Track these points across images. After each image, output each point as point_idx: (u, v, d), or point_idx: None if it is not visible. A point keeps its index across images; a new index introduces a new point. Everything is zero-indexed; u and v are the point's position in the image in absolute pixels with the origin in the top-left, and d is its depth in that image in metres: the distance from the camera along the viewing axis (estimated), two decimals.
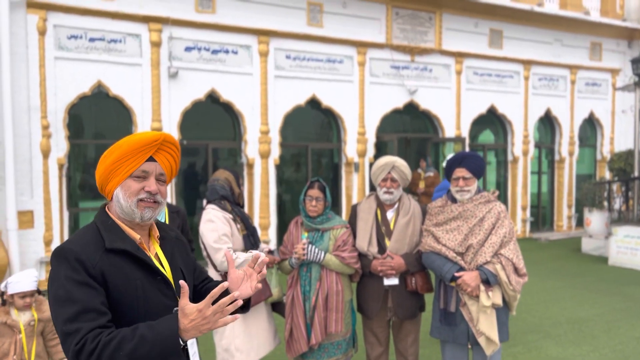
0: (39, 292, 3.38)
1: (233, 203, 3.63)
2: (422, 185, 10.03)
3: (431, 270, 3.51)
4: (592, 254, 10.11)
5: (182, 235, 2.05)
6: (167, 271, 1.81)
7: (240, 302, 1.65)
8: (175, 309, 1.72)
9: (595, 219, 10.35)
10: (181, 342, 1.63)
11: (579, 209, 12.79)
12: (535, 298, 6.98)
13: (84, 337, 1.55)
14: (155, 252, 1.84)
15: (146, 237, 1.84)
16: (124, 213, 1.76)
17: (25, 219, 7.39)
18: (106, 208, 1.82)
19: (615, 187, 11.15)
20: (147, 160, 1.77)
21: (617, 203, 10.63)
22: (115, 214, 1.79)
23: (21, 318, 3.20)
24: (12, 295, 3.18)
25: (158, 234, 1.89)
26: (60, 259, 1.64)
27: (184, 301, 1.63)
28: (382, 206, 3.68)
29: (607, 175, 12.68)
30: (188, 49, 8.44)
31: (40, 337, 3.32)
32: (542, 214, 12.88)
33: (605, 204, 10.45)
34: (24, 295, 3.19)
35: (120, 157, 1.74)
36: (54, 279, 1.64)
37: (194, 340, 1.84)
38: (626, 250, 9.02)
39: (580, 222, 12.97)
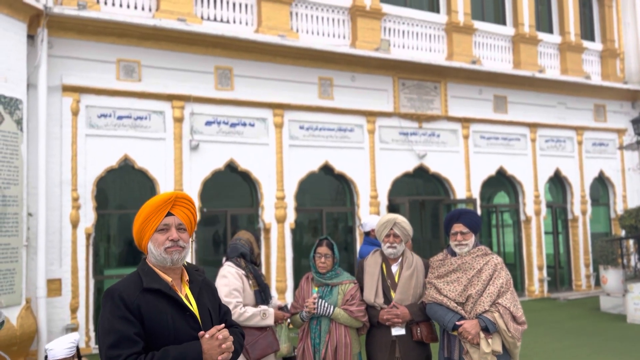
0: (79, 356, 3.45)
1: (249, 261, 3.96)
2: None
3: (434, 320, 3.74)
4: (611, 312, 10.03)
5: (209, 280, 2.43)
6: (194, 308, 2.20)
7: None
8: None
9: (611, 277, 10.34)
10: None
11: (597, 267, 12.74)
12: (551, 356, 6.98)
13: None
14: (185, 294, 2.24)
15: (178, 280, 2.25)
16: (157, 260, 2.20)
17: (54, 287, 7.75)
18: (146, 259, 2.25)
19: (629, 243, 11.19)
20: (166, 215, 2.21)
21: (633, 260, 10.64)
22: (151, 262, 2.22)
23: None
24: None
25: (188, 278, 2.30)
26: (107, 297, 2.08)
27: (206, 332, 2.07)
28: (387, 260, 3.96)
29: (622, 232, 12.71)
30: (208, 123, 9.06)
31: None
32: (559, 274, 12.84)
33: (620, 261, 10.46)
34: None
35: (146, 218, 2.20)
36: (102, 314, 2.06)
37: None
38: None
39: (598, 281, 12.86)
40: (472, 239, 3.76)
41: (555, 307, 10.81)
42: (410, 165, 10.87)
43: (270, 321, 3.76)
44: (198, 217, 8.68)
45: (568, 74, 12.75)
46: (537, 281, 12.08)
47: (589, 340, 7.89)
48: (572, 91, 12.85)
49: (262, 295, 3.86)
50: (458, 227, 3.75)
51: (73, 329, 7.77)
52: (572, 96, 12.95)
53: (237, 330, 2.39)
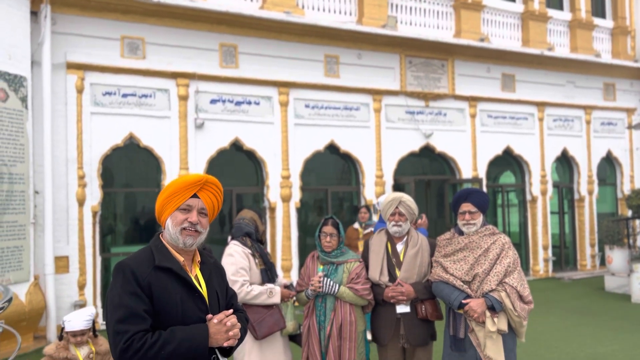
0: (94, 330, 3.58)
1: (255, 240, 3.96)
2: (361, 246, 7.51)
3: (440, 299, 3.74)
4: (616, 292, 10.04)
5: (219, 263, 2.44)
6: (203, 290, 2.20)
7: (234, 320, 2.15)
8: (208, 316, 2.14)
9: (617, 257, 10.33)
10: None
11: (602, 247, 12.73)
12: (555, 335, 7.01)
13: (131, 337, 1.94)
14: (196, 274, 2.23)
15: (189, 260, 2.24)
16: (171, 239, 2.18)
17: (61, 264, 7.82)
18: (160, 235, 2.23)
19: (635, 223, 11.15)
20: (192, 197, 2.19)
21: (639, 240, 10.60)
22: (165, 239, 2.21)
23: (80, 352, 3.43)
24: (67, 332, 3.45)
25: (199, 259, 2.29)
26: (119, 271, 2.06)
27: (214, 316, 2.10)
28: (392, 239, 3.96)
29: (629, 212, 12.66)
30: (213, 101, 9.01)
31: None
32: (564, 254, 12.84)
33: (626, 240, 10.44)
34: (74, 334, 3.43)
35: (171, 194, 2.18)
36: (112, 287, 2.05)
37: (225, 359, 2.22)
38: None
39: (603, 261, 12.87)
40: (480, 219, 3.75)
41: (559, 287, 10.84)
42: (416, 145, 10.80)
43: (276, 299, 3.77)
44: None
45: (578, 52, 12.56)
46: (542, 261, 12.09)
47: (594, 319, 7.91)
48: (582, 69, 12.68)
49: (268, 273, 3.87)
50: (466, 207, 3.73)
51: (81, 305, 7.86)
52: (582, 74, 12.78)
53: (242, 315, 2.39)
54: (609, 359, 5.94)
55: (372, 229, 7.54)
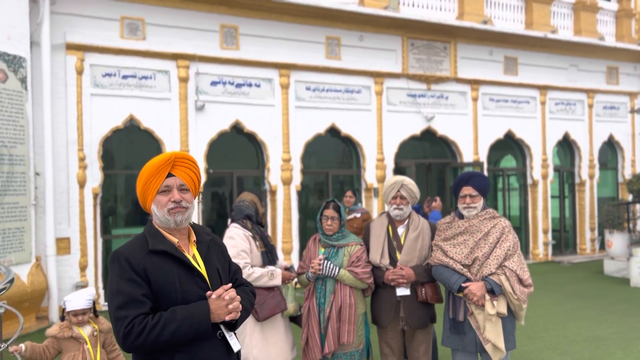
0: (94, 311, 3.60)
1: (255, 222, 3.96)
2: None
3: (440, 282, 3.75)
4: (615, 276, 10.09)
5: (218, 238, 2.41)
6: (202, 268, 2.19)
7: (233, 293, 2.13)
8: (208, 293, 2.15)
9: (617, 241, 10.36)
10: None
11: (602, 231, 12.77)
12: (554, 318, 7.06)
13: (131, 322, 1.95)
14: (193, 254, 2.22)
15: (185, 241, 2.23)
16: (161, 222, 2.18)
17: (63, 245, 7.85)
18: (152, 221, 2.23)
19: (636, 208, 11.16)
20: (167, 177, 2.17)
21: (639, 224, 10.62)
22: (156, 224, 2.20)
23: (83, 330, 3.45)
24: (69, 313, 3.46)
25: (195, 238, 2.27)
26: (114, 260, 2.07)
27: (213, 292, 2.10)
28: (393, 223, 3.96)
29: (630, 197, 12.67)
30: (214, 83, 8.95)
31: (102, 349, 3.55)
32: (564, 238, 12.88)
33: (626, 225, 10.46)
34: (75, 313, 3.45)
35: (147, 180, 2.16)
36: (110, 277, 2.07)
37: (232, 333, 2.22)
38: None
39: (603, 245, 12.92)
40: (480, 202, 3.74)
41: (559, 270, 10.89)
42: (417, 128, 10.76)
43: (277, 281, 3.79)
44: (204, 179, 8.69)
45: (581, 35, 12.44)
46: (541, 244, 12.13)
47: (593, 302, 7.96)
48: (585, 52, 12.57)
49: (269, 256, 3.88)
50: (467, 190, 3.72)
51: (82, 286, 7.91)
52: (585, 58, 12.68)
53: (248, 288, 2.37)
54: (607, 342, 5.99)
55: (357, 215, 7.45)
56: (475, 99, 11.30)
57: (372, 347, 4.05)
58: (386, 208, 4.35)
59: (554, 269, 11.09)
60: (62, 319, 3.47)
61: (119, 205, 9.35)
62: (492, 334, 3.50)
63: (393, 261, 3.83)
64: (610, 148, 13.56)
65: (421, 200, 9.41)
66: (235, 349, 2.20)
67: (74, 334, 3.40)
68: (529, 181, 12.17)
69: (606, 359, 5.40)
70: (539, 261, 11.96)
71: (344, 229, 3.94)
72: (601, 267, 10.79)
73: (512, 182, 12.75)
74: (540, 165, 12.15)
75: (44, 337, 3.62)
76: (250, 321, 3.70)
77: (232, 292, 2.12)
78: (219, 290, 2.11)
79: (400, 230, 3.94)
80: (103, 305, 8.15)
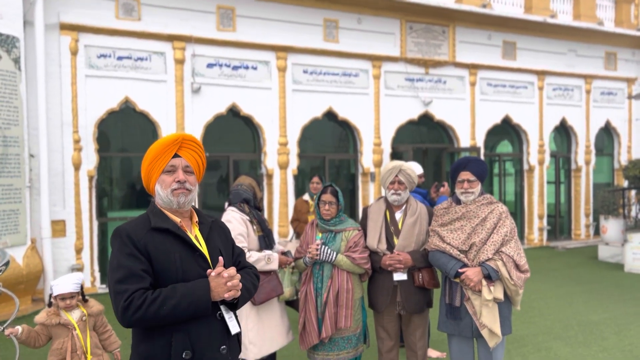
0: (83, 295, 3.54)
1: (252, 206, 3.94)
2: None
3: (437, 268, 3.75)
4: (609, 262, 10.16)
5: (220, 221, 2.42)
6: (203, 248, 2.19)
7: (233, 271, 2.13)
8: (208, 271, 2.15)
9: (612, 227, 10.41)
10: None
11: (597, 217, 12.83)
12: (549, 303, 7.11)
13: (131, 295, 1.96)
14: (195, 235, 2.23)
15: (187, 221, 2.24)
16: (164, 202, 2.19)
17: (58, 228, 7.82)
18: (155, 201, 2.24)
19: (632, 194, 11.20)
20: (173, 157, 2.18)
21: (634, 210, 10.67)
22: (159, 204, 2.21)
23: (72, 315, 3.40)
24: (56, 297, 3.39)
25: (197, 219, 2.28)
26: (115, 236, 2.08)
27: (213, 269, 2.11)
28: (390, 208, 3.94)
29: (625, 183, 12.71)
30: (210, 65, 8.86)
31: (93, 332, 3.50)
32: (559, 223, 12.94)
33: (621, 211, 10.50)
34: (63, 297, 3.37)
35: (153, 159, 2.17)
36: (112, 252, 2.07)
37: (232, 313, 2.22)
38: None
39: (598, 231, 12.99)
40: (478, 187, 3.72)
41: (553, 256, 10.95)
42: (415, 113, 10.71)
43: (274, 266, 3.78)
44: None
45: (580, 20, 12.36)
46: (536, 230, 12.18)
47: (587, 288, 8.02)
48: (584, 38, 12.50)
49: (265, 240, 3.87)
50: (465, 175, 3.70)
51: (78, 269, 7.90)
52: (583, 43, 12.61)
53: (252, 271, 2.37)
54: (601, 326, 6.04)
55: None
56: (473, 84, 11.25)
57: (369, 331, 4.06)
58: (382, 192, 4.31)
59: (549, 254, 11.15)
60: (50, 304, 3.41)
61: (115, 188, 9.31)
62: (489, 319, 3.51)
63: (390, 246, 3.82)
64: (607, 134, 13.57)
65: (428, 185, 9.42)
66: (234, 331, 2.19)
67: (61, 321, 3.33)
68: (525, 167, 12.18)
69: (600, 344, 5.45)
70: (534, 246, 12.02)
71: (341, 214, 3.92)
72: (595, 252, 10.86)
73: (507, 168, 12.76)
74: (537, 151, 12.15)
75: None
76: (246, 305, 3.70)
77: (232, 270, 2.11)
78: (218, 268, 2.11)
79: (398, 215, 3.93)
80: (99, 288, 8.15)
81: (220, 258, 2.14)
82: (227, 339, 2.17)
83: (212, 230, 2.29)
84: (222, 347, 2.14)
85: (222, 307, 2.16)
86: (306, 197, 7.01)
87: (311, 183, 6.94)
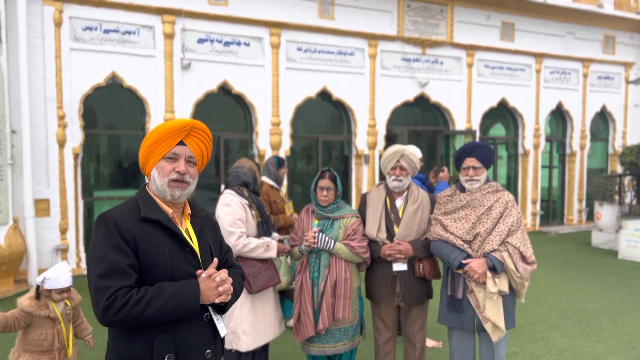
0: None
1: (251, 191, 3.73)
2: (286, 211, 5.43)
3: (439, 258, 3.58)
4: (602, 248, 10.10)
5: (212, 216, 2.22)
6: (194, 244, 1.99)
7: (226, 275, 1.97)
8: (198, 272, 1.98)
9: (606, 213, 10.34)
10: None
11: (590, 203, 12.77)
12: (544, 290, 7.02)
13: (114, 293, 1.75)
14: (186, 228, 2.03)
15: (179, 213, 2.04)
16: (158, 191, 1.98)
17: (42, 207, 7.55)
18: (146, 187, 2.03)
19: (626, 180, 11.12)
20: (178, 144, 1.97)
21: (629, 197, 10.59)
22: (152, 191, 2.00)
23: (58, 308, 3.26)
24: (49, 290, 3.24)
25: (190, 211, 2.09)
26: (101, 223, 1.85)
27: (204, 271, 1.93)
28: (391, 194, 3.75)
29: (619, 169, 12.64)
30: (201, 40, 8.53)
31: (71, 323, 3.40)
32: (552, 208, 12.87)
33: (616, 197, 10.42)
34: (61, 290, 3.25)
35: (155, 141, 1.95)
36: (94, 241, 1.84)
37: (220, 317, 2.05)
38: (636, 244, 9.01)
39: (590, 216, 12.96)
40: (484, 175, 3.54)
41: (546, 241, 10.89)
42: (411, 94, 10.48)
43: (272, 253, 3.59)
44: None
45: (580, 1, 12.11)
46: (530, 215, 12.10)
47: (582, 275, 7.94)
48: (583, 20, 12.27)
49: (264, 226, 3.67)
50: (471, 162, 3.51)
51: (63, 249, 7.66)
52: (582, 25, 12.38)
53: (238, 271, 2.20)
54: (597, 315, 5.95)
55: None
56: (470, 65, 11.01)
57: (365, 322, 3.90)
58: (376, 175, 4.11)
59: (542, 239, 11.08)
60: (38, 296, 3.22)
61: (102, 166, 9.01)
62: (493, 313, 3.36)
63: (390, 235, 3.64)
64: (602, 119, 13.44)
65: (426, 170, 9.24)
66: (222, 333, 2.05)
67: (50, 314, 3.20)
68: (520, 151, 12.03)
69: (598, 334, 5.36)
70: (527, 231, 11.92)
71: (339, 200, 3.72)
72: (588, 238, 10.80)
73: (500, 151, 12.61)
74: (532, 135, 12.00)
75: None
76: (242, 293, 3.53)
77: (224, 274, 1.95)
78: (210, 270, 1.93)
79: (399, 202, 3.73)
80: (85, 269, 7.92)
81: (215, 259, 1.97)
82: (213, 342, 2.02)
83: (204, 225, 2.11)
84: (207, 352, 1.98)
85: (210, 309, 2.00)
86: (268, 181, 5.28)
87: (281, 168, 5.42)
